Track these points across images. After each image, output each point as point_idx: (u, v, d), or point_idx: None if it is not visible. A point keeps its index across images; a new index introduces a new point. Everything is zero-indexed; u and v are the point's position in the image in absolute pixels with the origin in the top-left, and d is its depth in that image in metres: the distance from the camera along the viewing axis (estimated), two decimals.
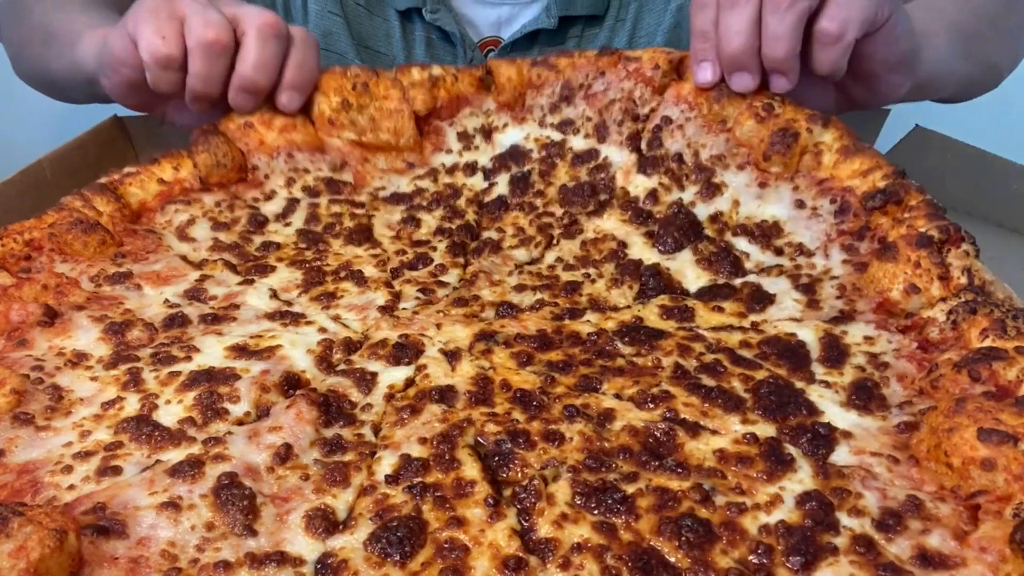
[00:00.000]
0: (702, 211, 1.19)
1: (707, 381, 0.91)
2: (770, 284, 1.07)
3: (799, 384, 0.91)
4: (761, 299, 1.05)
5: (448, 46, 1.87)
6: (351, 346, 0.99)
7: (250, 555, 0.70)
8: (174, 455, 0.79)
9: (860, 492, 0.75)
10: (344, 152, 1.31)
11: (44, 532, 0.64)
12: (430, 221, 1.27)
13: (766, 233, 1.14)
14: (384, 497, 0.77)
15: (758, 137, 1.17)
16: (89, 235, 1.07)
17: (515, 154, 1.34)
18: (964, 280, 0.96)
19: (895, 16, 1.18)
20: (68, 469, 0.77)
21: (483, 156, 1.36)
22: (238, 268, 1.14)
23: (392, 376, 0.94)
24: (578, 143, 1.33)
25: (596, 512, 0.75)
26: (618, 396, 0.90)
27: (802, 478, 0.78)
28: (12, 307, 0.93)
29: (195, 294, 1.06)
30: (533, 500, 0.76)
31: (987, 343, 0.89)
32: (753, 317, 1.03)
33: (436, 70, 1.34)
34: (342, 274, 1.13)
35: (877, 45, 1.20)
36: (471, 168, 1.35)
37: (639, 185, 1.24)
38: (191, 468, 0.76)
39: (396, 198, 1.31)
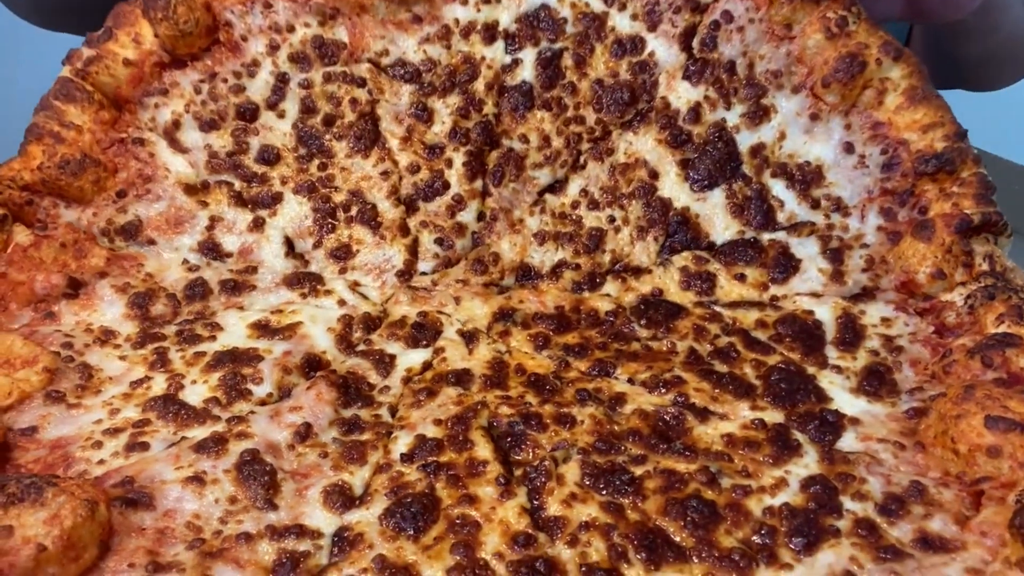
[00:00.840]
0: (744, 139, 1.08)
1: (719, 367, 0.93)
2: (798, 246, 1.04)
3: (811, 369, 0.92)
4: (786, 266, 1.03)
5: None
6: (370, 324, 1.01)
7: (270, 527, 0.73)
8: (199, 432, 0.83)
9: (864, 477, 0.76)
10: None
11: (76, 502, 0.67)
12: (443, 114, 1.12)
13: (806, 178, 1.05)
14: (399, 475, 0.80)
15: (822, 56, 1.04)
16: (80, 176, 1.03)
17: (545, 19, 1.12)
18: (985, 266, 0.95)
19: None
20: (98, 444, 0.80)
21: (505, 14, 1.13)
22: (244, 196, 1.09)
23: (410, 359, 0.97)
24: (623, 23, 1.11)
25: (604, 492, 0.77)
26: (631, 380, 0.92)
27: (808, 463, 0.79)
28: (36, 277, 0.96)
29: (209, 248, 1.06)
30: (543, 480, 0.79)
31: (1002, 329, 0.89)
32: (774, 289, 1.03)
33: None
34: (353, 210, 1.08)
35: None
36: (490, 32, 1.12)
37: (682, 96, 1.10)
38: (215, 445, 0.79)
39: (403, 70, 1.12)
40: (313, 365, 0.95)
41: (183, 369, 0.91)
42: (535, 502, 0.77)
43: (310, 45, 1.11)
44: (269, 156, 1.10)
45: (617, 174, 1.10)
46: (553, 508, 0.76)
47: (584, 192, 1.10)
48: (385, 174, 1.10)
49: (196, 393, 0.88)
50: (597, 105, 1.11)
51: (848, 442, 0.82)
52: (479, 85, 1.12)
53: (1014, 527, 0.66)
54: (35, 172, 1.02)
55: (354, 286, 1.06)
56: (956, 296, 0.95)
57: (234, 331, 0.98)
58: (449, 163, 1.10)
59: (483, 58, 1.12)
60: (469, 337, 1.00)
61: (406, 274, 1.07)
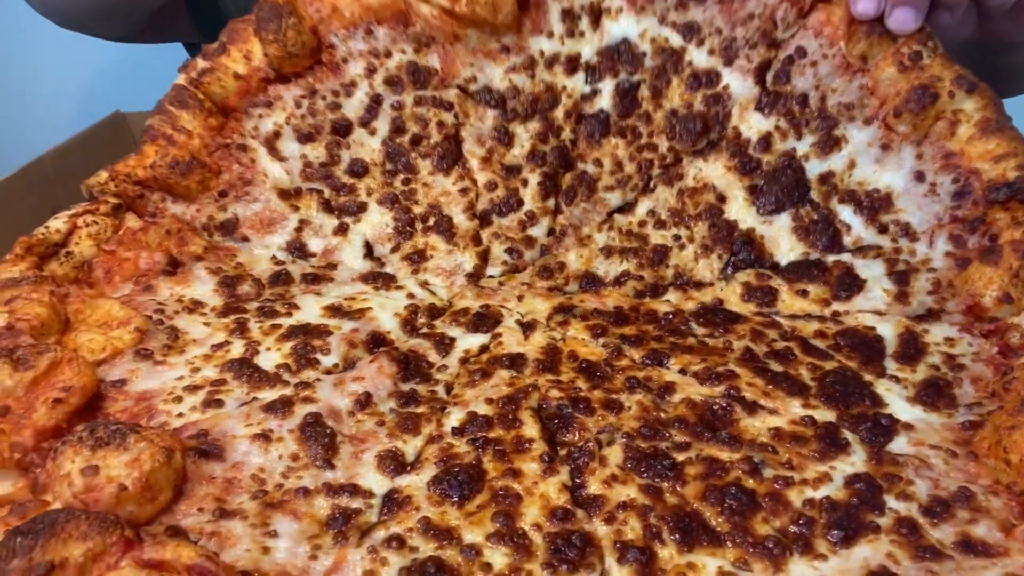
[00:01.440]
0: (813, 168, 1.10)
1: (774, 366, 0.93)
2: (863, 267, 1.04)
3: (868, 377, 0.91)
4: (849, 285, 1.03)
5: None
6: (435, 312, 1.06)
7: (327, 485, 0.78)
8: (269, 394, 0.89)
9: (911, 479, 0.76)
10: (432, 25, 1.15)
11: (155, 449, 0.73)
12: (523, 138, 1.17)
13: (875, 205, 1.06)
14: (449, 446, 0.83)
15: (895, 88, 1.05)
16: (188, 176, 1.14)
17: (625, 52, 1.16)
18: None
19: None
20: (178, 399, 0.87)
21: (587, 48, 1.18)
22: (331, 204, 1.17)
23: (468, 342, 1.01)
24: (699, 58, 1.14)
25: (645, 476, 0.78)
26: (683, 371, 0.93)
27: (855, 461, 0.79)
28: (141, 255, 1.06)
29: (296, 247, 1.15)
30: (586, 460, 0.81)
31: None
32: (836, 306, 1.03)
33: None
34: (430, 221, 1.15)
35: None
36: (573, 63, 1.18)
37: (753, 126, 1.12)
38: (282, 406, 0.85)
39: (488, 96, 1.18)
40: (377, 342, 1.00)
41: (259, 337, 0.97)
42: (576, 480, 0.80)
43: (404, 70, 1.18)
44: (358, 169, 1.19)
45: (685, 197, 1.13)
46: (593, 487, 0.78)
47: (651, 212, 1.14)
48: (464, 191, 1.17)
49: (269, 359, 0.94)
50: (670, 133, 1.15)
51: (899, 445, 0.81)
52: (559, 112, 1.18)
53: None
54: (148, 170, 1.13)
55: (423, 284, 1.12)
56: (1022, 319, 0.93)
57: (309, 310, 1.04)
58: (525, 183, 1.17)
59: (564, 87, 1.18)
60: (527, 326, 1.03)
61: (475, 277, 1.13)
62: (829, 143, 1.09)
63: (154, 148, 1.14)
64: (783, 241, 1.09)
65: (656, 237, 1.12)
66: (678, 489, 0.77)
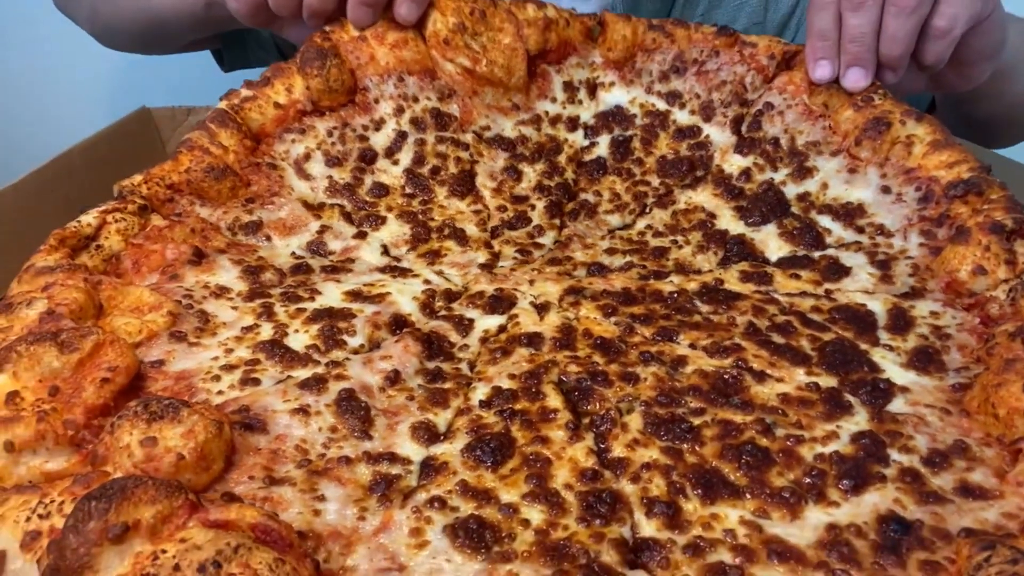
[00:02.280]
0: (791, 190, 1.24)
1: (777, 339, 0.99)
2: (847, 258, 1.13)
3: (864, 346, 0.98)
4: (837, 271, 1.12)
5: None
6: (451, 296, 1.11)
7: (367, 453, 0.82)
8: (302, 373, 0.93)
9: (911, 435, 0.82)
10: (455, 80, 1.33)
11: (207, 420, 0.77)
12: (530, 175, 1.32)
13: (850, 213, 1.18)
14: (478, 418, 0.88)
15: (854, 124, 1.22)
16: (221, 182, 1.19)
17: (618, 116, 1.37)
18: None
19: (997, 9, 1.27)
20: (216, 378, 0.91)
21: (586, 112, 1.38)
22: (352, 217, 1.25)
23: (487, 323, 1.06)
24: (683, 117, 1.36)
25: (665, 439, 0.84)
26: (692, 346, 0.99)
27: (858, 420, 0.85)
28: (167, 246, 1.09)
29: (316, 247, 1.20)
30: (609, 427, 0.86)
31: None
32: (828, 286, 1.10)
33: (551, 11, 1.36)
34: (446, 231, 1.23)
35: (977, 36, 1.27)
36: (573, 123, 1.38)
37: (734, 164, 1.30)
38: (317, 383, 0.89)
39: (500, 142, 1.34)
40: (399, 324, 1.04)
41: (286, 320, 1.01)
42: (601, 446, 0.85)
43: (429, 113, 1.33)
44: (380, 191, 1.28)
45: (679, 215, 1.26)
46: (617, 451, 0.84)
47: (649, 227, 1.26)
48: (476, 212, 1.27)
49: (298, 340, 0.98)
50: (661, 173, 1.32)
51: (897, 406, 0.88)
52: (561, 158, 1.35)
53: None
54: (183, 174, 1.18)
55: (439, 274, 1.17)
56: (1000, 292, 1.01)
57: (331, 296, 1.08)
58: (532, 207, 1.28)
59: (566, 140, 1.37)
60: (541, 308, 1.09)
61: (488, 267, 1.19)
62: (802, 172, 1.25)
63: (190, 157, 1.19)
64: (771, 243, 1.19)
65: (655, 242, 1.22)
66: (697, 449, 0.82)
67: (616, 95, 1.39)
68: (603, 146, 1.36)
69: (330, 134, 1.29)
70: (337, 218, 1.24)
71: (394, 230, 1.24)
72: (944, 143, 1.16)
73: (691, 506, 0.77)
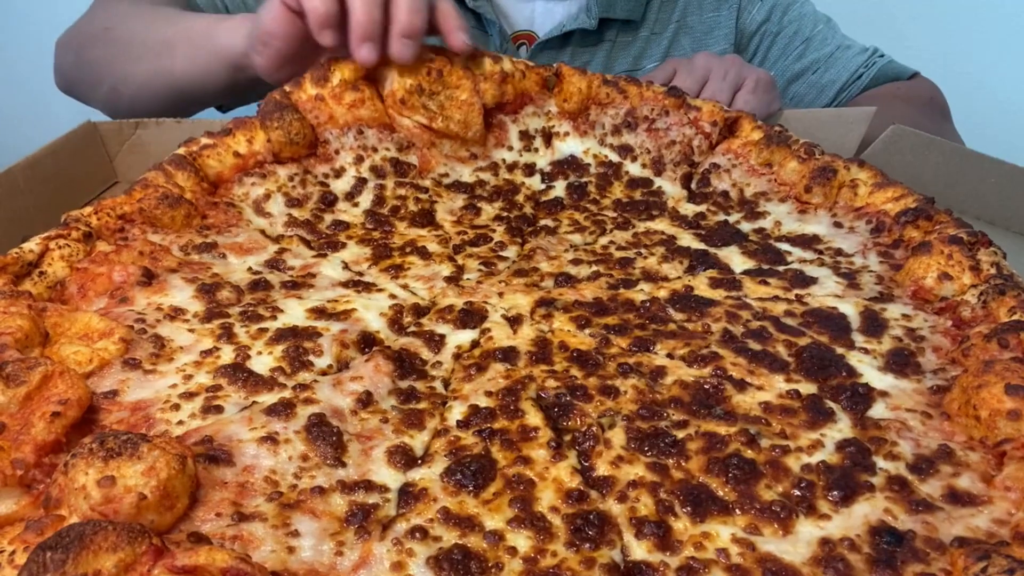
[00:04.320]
0: (746, 227, 1.29)
1: (753, 345, 0.98)
2: (812, 270, 1.15)
3: (840, 350, 0.97)
4: (804, 280, 1.13)
5: (483, 35, 1.95)
6: (420, 311, 1.08)
7: (341, 482, 0.78)
8: (268, 398, 0.88)
9: (896, 441, 0.82)
10: (413, 133, 1.37)
11: (169, 456, 0.72)
12: (489, 210, 1.34)
13: (807, 241, 1.23)
14: (456, 439, 0.85)
15: (799, 175, 1.29)
16: (175, 209, 1.16)
17: (573, 164, 1.43)
18: (993, 271, 1.04)
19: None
20: (176, 407, 0.86)
21: (542, 160, 1.44)
22: (312, 244, 1.23)
23: (459, 338, 1.03)
24: (635, 169, 1.42)
25: (649, 454, 0.82)
26: (670, 356, 0.97)
27: (841, 427, 0.84)
28: (114, 269, 1.03)
29: (275, 264, 1.15)
30: (592, 444, 0.84)
31: (1015, 318, 0.95)
32: (797, 291, 1.10)
33: (507, 65, 1.40)
34: (407, 250, 1.21)
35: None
36: (530, 169, 1.42)
37: (688, 209, 1.34)
38: (284, 409, 0.85)
39: (458, 186, 1.37)
40: (368, 342, 1.00)
41: (248, 341, 0.97)
42: (585, 463, 0.82)
43: (388, 163, 1.36)
44: (340, 227, 1.28)
45: (640, 235, 1.28)
46: (602, 469, 0.81)
47: (612, 243, 1.26)
48: (437, 236, 1.27)
49: (262, 363, 0.93)
50: (616, 211, 1.35)
51: (879, 411, 0.87)
52: (520, 197, 1.38)
53: None
54: (135, 204, 1.16)
55: (404, 287, 1.14)
56: (969, 296, 1.02)
57: (293, 313, 1.04)
58: (493, 231, 1.29)
59: (523, 183, 1.41)
60: (513, 321, 1.06)
61: (454, 280, 1.16)
62: (754, 215, 1.30)
63: (144, 192, 1.17)
64: (735, 258, 1.21)
65: (619, 254, 1.23)
66: (683, 464, 0.80)
67: (571, 144, 1.45)
68: (560, 189, 1.40)
69: (291, 179, 1.31)
70: (296, 244, 1.21)
71: (355, 251, 1.22)
72: (886, 182, 1.24)
73: (681, 524, 0.75)
